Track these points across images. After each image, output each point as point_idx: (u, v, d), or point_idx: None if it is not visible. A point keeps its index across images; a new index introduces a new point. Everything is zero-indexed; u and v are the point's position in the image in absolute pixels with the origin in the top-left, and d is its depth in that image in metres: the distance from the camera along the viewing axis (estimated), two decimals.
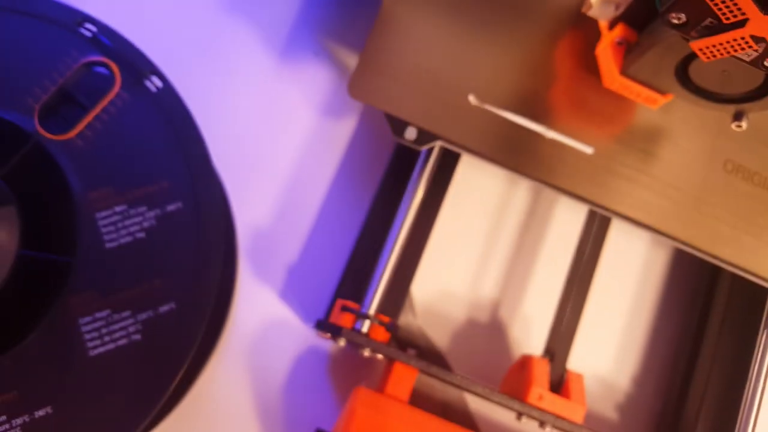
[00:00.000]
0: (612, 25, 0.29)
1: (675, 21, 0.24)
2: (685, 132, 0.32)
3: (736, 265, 0.31)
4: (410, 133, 0.30)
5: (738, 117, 0.28)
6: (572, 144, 0.31)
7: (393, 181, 0.34)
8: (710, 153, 0.32)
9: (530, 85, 0.31)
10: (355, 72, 0.30)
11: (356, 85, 0.30)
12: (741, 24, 0.23)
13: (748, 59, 0.24)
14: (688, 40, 0.25)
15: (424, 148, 0.30)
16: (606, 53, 0.30)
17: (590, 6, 0.29)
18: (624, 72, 0.29)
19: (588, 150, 0.31)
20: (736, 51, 0.24)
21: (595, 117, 0.31)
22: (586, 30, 0.32)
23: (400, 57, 0.30)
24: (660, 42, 0.26)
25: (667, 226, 0.31)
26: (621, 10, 0.29)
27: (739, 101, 0.28)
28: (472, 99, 0.30)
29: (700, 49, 0.24)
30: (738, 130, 0.29)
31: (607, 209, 0.31)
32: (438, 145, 0.31)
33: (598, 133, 0.31)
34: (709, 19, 0.23)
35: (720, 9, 0.23)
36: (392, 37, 0.31)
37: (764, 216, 0.32)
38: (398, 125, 0.30)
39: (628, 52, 0.29)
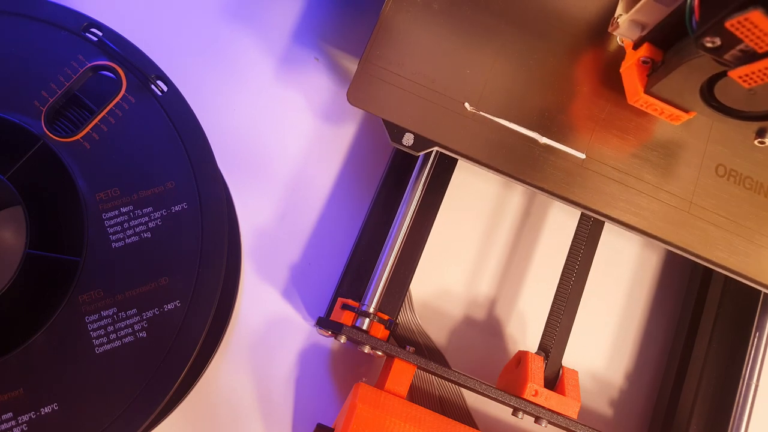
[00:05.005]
0: (637, 44, 0.30)
1: (709, 45, 0.24)
2: (677, 137, 0.33)
3: (727, 268, 0.32)
4: (407, 139, 0.31)
5: (761, 134, 0.28)
6: (565, 149, 0.31)
7: (392, 182, 0.34)
8: (702, 157, 0.32)
9: (524, 93, 0.32)
10: (354, 79, 0.31)
11: (355, 92, 0.31)
12: None
13: None
14: (721, 64, 0.25)
15: (422, 154, 0.31)
16: (631, 71, 0.30)
17: (617, 26, 0.30)
18: (648, 90, 0.29)
19: (580, 155, 0.31)
20: None
21: (588, 123, 0.32)
22: (580, 43, 0.33)
23: (398, 65, 0.31)
24: (687, 62, 0.26)
25: (658, 229, 0.31)
26: (647, 30, 0.29)
27: (762, 118, 0.28)
28: (467, 106, 0.31)
29: (740, 77, 0.24)
30: (761, 146, 0.29)
31: (599, 213, 0.31)
32: (435, 150, 0.31)
33: (591, 139, 0.32)
34: (744, 44, 0.23)
35: (753, 41, 0.23)
36: (391, 45, 0.31)
37: (756, 219, 0.32)
38: (396, 131, 0.31)
39: (653, 70, 0.29)
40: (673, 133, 0.33)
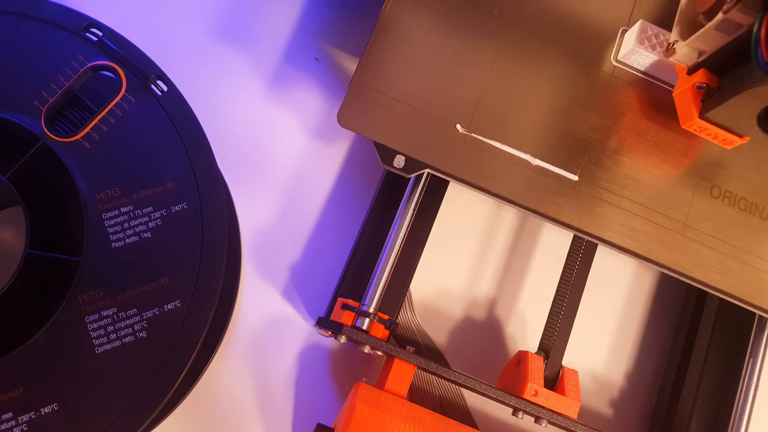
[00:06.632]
0: (692, 70, 0.30)
1: None
2: (671, 158, 0.32)
3: (721, 291, 0.31)
4: (398, 161, 0.30)
5: None
6: (557, 171, 0.31)
7: (393, 181, 0.34)
8: (697, 178, 0.32)
9: (516, 114, 0.31)
10: (344, 102, 0.30)
11: (345, 113, 0.30)
12: None
13: None
14: None
15: (413, 176, 0.31)
16: (685, 96, 0.30)
17: (674, 52, 0.30)
18: (703, 115, 0.29)
19: (573, 177, 0.31)
20: None
21: (581, 144, 0.32)
22: (573, 64, 0.32)
23: (389, 86, 0.31)
24: (746, 89, 0.26)
25: (652, 252, 0.31)
26: (704, 56, 0.29)
27: None
28: (459, 128, 0.30)
29: None
30: None
31: (592, 236, 0.31)
32: (426, 172, 0.31)
33: (584, 161, 0.32)
34: None
35: None
36: (381, 67, 0.31)
37: (750, 240, 0.32)
38: (387, 153, 0.30)
39: (707, 96, 0.29)
40: (667, 154, 0.32)
